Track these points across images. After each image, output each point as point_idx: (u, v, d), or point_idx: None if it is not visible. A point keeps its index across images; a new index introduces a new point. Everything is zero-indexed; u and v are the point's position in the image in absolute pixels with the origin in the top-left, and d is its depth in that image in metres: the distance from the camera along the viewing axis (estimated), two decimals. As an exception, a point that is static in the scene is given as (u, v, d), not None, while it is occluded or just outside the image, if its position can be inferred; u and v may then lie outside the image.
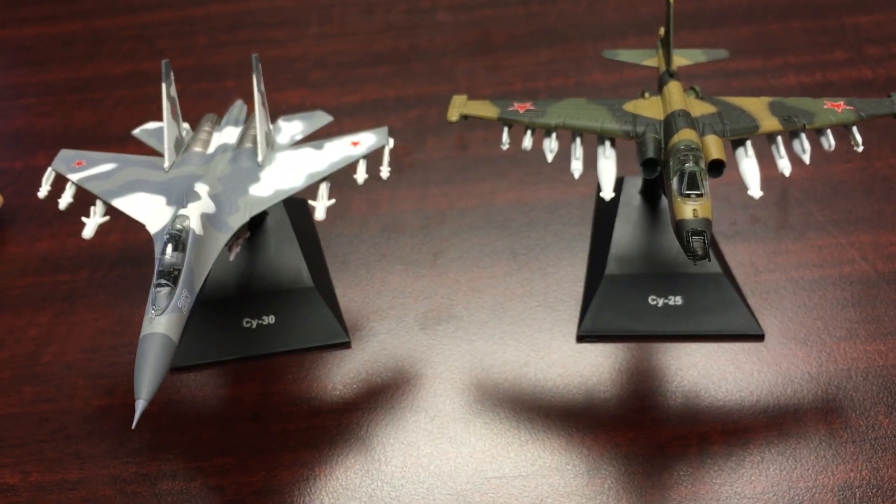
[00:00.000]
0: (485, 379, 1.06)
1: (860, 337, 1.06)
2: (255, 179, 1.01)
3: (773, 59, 1.51)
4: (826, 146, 0.99)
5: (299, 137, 1.13)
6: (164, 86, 1.03)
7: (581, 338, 1.09)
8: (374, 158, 1.04)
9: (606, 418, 1.00)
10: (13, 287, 1.21)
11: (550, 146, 1.01)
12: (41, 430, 1.03)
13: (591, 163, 1.00)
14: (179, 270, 0.86)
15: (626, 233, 1.12)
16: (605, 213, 1.17)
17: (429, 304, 1.15)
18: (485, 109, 1.04)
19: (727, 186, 1.17)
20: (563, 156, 1.01)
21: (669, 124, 0.96)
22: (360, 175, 1.02)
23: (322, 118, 1.17)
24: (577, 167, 0.99)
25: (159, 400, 1.03)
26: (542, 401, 1.03)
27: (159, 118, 1.05)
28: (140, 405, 0.80)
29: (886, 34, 1.54)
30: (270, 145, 1.07)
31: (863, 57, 1.50)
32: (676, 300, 1.08)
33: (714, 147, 0.93)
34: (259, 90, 1.05)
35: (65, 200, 1.01)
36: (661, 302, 1.08)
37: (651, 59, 1.14)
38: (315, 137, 1.10)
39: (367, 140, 1.05)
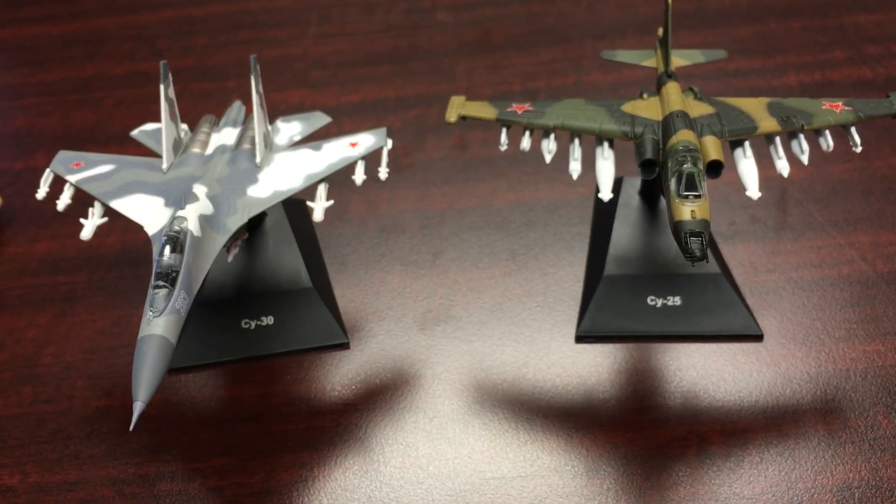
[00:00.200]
0: (484, 379, 1.06)
1: (859, 337, 1.06)
2: (254, 181, 1.01)
3: (773, 59, 1.51)
4: (824, 147, 0.99)
5: (298, 138, 1.13)
6: (162, 87, 1.03)
7: (580, 338, 1.09)
8: (372, 159, 1.04)
9: (605, 419, 1.00)
10: (12, 288, 1.21)
11: (549, 147, 1.01)
12: (40, 430, 1.03)
13: (589, 163, 1.00)
14: (177, 272, 0.86)
15: (624, 233, 1.12)
16: (603, 214, 1.17)
17: (428, 305, 1.15)
18: (483, 110, 1.04)
19: (726, 187, 1.16)
20: (562, 156, 1.01)
21: (668, 125, 0.96)
22: (359, 176, 1.02)
23: (321, 119, 1.17)
24: (575, 168, 0.99)
25: (158, 401, 1.03)
26: (541, 401, 1.03)
27: (159, 119, 1.05)
28: (138, 407, 0.80)
29: (886, 33, 1.54)
30: (269, 146, 1.07)
31: (863, 56, 1.49)
32: (675, 300, 1.08)
33: (712, 148, 0.93)
34: (257, 91, 1.05)
35: (63, 202, 1.01)
36: (659, 302, 1.08)
37: (650, 60, 1.14)
38: (314, 138, 1.10)
39: (365, 141, 1.05)
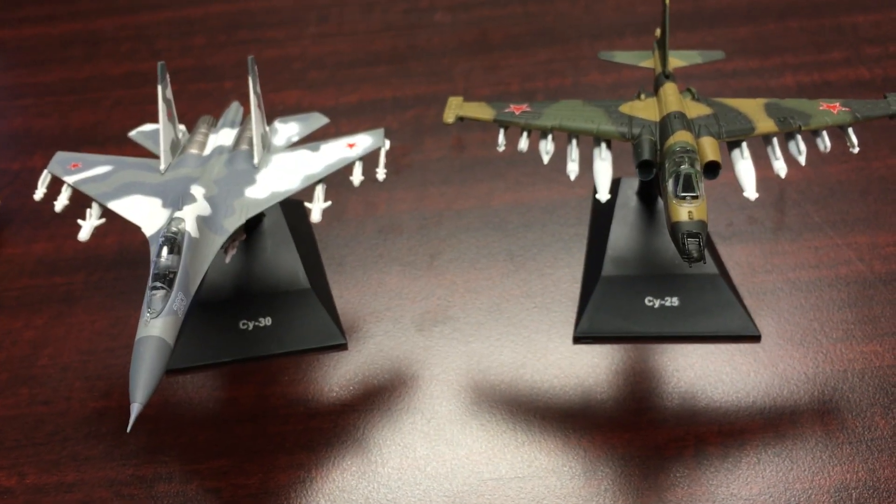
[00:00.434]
0: (481, 380, 1.06)
1: (856, 338, 1.06)
2: (251, 181, 1.00)
3: (771, 59, 1.51)
4: (822, 147, 0.99)
5: (295, 139, 1.13)
6: (159, 88, 1.03)
7: (578, 339, 1.09)
8: (370, 160, 1.04)
9: (603, 420, 1.00)
10: (10, 289, 1.21)
11: (546, 148, 1.01)
12: (37, 432, 1.03)
13: (587, 164, 1.00)
14: (175, 273, 0.86)
15: (622, 234, 1.12)
16: (601, 215, 1.17)
17: (426, 306, 1.15)
18: (481, 111, 1.03)
19: (724, 187, 1.16)
20: (560, 157, 1.01)
21: (665, 126, 0.96)
22: (357, 177, 1.02)
23: (318, 120, 1.17)
24: (573, 169, 0.99)
25: (156, 402, 1.03)
26: (539, 402, 1.03)
27: (157, 119, 1.05)
28: (135, 408, 0.80)
29: (884, 34, 1.54)
30: (266, 147, 1.07)
31: (861, 57, 1.49)
32: (673, 301, 1.08)
33: (709, 149, 0.93)
34: (255, 92, 1.05)
35: (61, 203, 1.01)
36: (657, 303, 1.08)
37: (647, 61, 1.14)
38: (311, 139, 1.10)
39: (363, 142, 1.05)
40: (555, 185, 1.29)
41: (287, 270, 1.12)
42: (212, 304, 1.09)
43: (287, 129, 1.14)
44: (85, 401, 1.06)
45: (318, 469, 0.98)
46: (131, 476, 0.98)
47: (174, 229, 0.89)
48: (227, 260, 1.06)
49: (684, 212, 0.87)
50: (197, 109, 1.36)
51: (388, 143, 1.05)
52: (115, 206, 0.98)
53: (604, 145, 1.00)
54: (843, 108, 0.99)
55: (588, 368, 1.06)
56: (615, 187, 1.16)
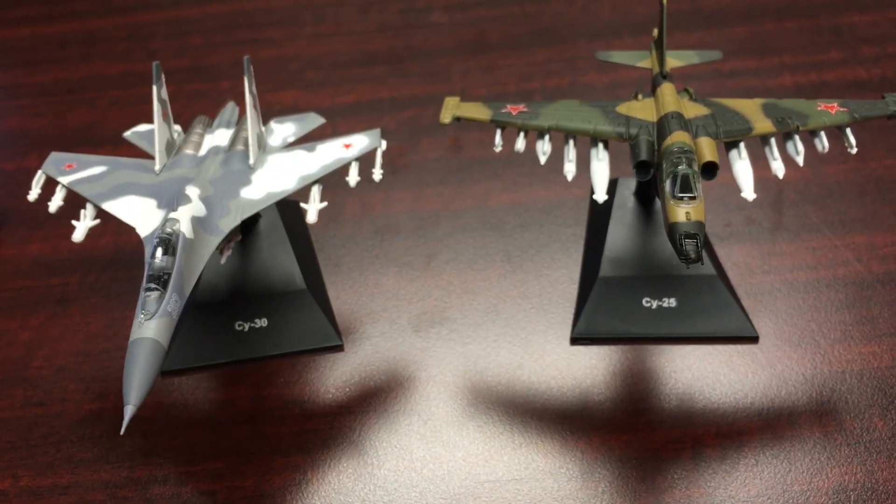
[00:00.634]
0: (478, 382, 1.05)
1: (854, 339, 1.06)
2: (247, 182, 1.00)
3: (768, 60, 1.50)
4: (820, 148, 0.99)
5: (291, 139, 1.12)
6: (154, 88, 1.02)
7: (575, 340, 1.08)
8: (366, 160, 1.03)
9: (600, 421, 1.00)
10: (4, 290, 1.21)
11: (543, 148, 1.00)
12: (32, 434, 1.03)
13: (584, 165, 1.00)
14: (169, 274, 0.86)
15: (619, 235, 1.12)
16: (598, 215, 1.17)
17: (422, 307, 1.14)
18: (477, 111, 1.03)
19: (722, 188, 1.16)
20: (557, 157, 1.01)
21: (662, 126, 0.96)
22: (353, 177, 1.01)
23: (314, 120, 1.16)
24: (570, 169, 0.99)
25: (151, 404, 1.03)
26: (536, 404, 1.02)
27: (152, 120, 1.04)
28: (129, 410, 0.79)
29: (881, 34, 1.54)
30: (262, 148, 1.07)
31: (858, 57, 1.49)
32: (670, 302, 1.08)
33: (707, 149, 0.92)
34: (251, 92, 1.04)
35: (55, 203, 1.01)
36: (655, 304, 1.08)
37: (644, 61, 1.14)
38: (307, 139, 1.10)
39: (359, 142, 1.04)
40: (552, 186, 1.29)
41: (283, 271, 1.11)
42: (207, 305, 1.08)
43: (283, 130, 1.14)
44: (80, 402, 1.06)
45: (315, 471, 0.97)
46: (126, 478, 0.98)
47: (169, 230, 0.89)
48: (223, 261, 1.05)
49: (682, 212, 0.87)
50: (193, 109, 1.36)
51: (384, 144, 1.04)
52: (110, 206, 0.98)
53: (601, 146, 1.00)
54: (841, 109, 0.99)
55: (585, 370, 1.05)
56: (612, 188, 1.15)
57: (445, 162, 1.36)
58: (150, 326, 0.83)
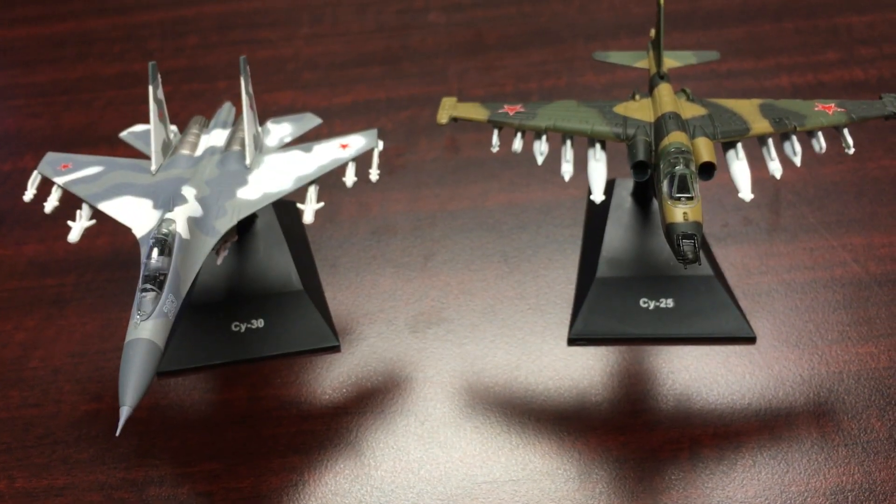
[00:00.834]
0: (475, 382, 1.05)
1: (852, 339, 1.06)
2: (243, 182, 1.00)
3: (766, 60, 1.50)
4: (817, 148, 0.99)
5: (288, 140, 1.12)
6: (150, 88, 1.02)
7: (572, 341, 1.08)
8: (363, 161, 1.03)
9: (598, 422, 1.00)
10: (0, 290, 1.20)
11: (541, 149, 1.00)
12: (27, 435, 1.02)
13: (581, 165, 0.99)
14: (165, 275, 0.86)
15: (617, 235, 1.12)
16: (596, 216, 1.17)
17: (419, 307, 1.14)
18: (474, 112, 1.03)
19: (719, 188, 1.16)
20: (554, 158, 1.01)
21: (660, 127, 0.96)
22: (349, 178, 1.01)
23: (311, 120, 1.16)
24: (567, 170, 0.99)
25: (147, 405, 1.03)
26: (534, 404, 1.02)
27: (148, 120, 1.04)
28: (125, 412, 0.79)
29: (878, 35, 1.54)
30: (259, 148, 1.06)
31: (855, 58, 1.49)
32: (668, 303, 1.07)
33: (704, 150, 0.92)
34: (247, 92, 1.04)
35: (50, 204, 1.00)
36: (652, 305, 1.07)
37: (642, 61, 1.13)
38: (304, 140, 1.10)
39: (356, 143, 1.04)
40: (549, 186, 1.29)
41: (280, 272, 1.11)
42: (204, 305, 1.08)
43: (279, 130, 1.13)
44: (76, 403, 1.05)
45: (311, 472, 0.97)
46: (122, 480, 0.97)
47: (165, 231, 0.89)
48: (219, 261, 1.05)
49: (679, 213, 0.87)
50: (189, 110, 1.35)
51: (381, 144, 1.04)
52: (106, 207, 0.97)
53: (598, 146, 0.99)
54: (839, 109, 0.99)
55: (583, 370, 1.05)
56: (610, 188, 1.15)
57: (442, 162, 1.35)
58: (147, 327, 0.82)
